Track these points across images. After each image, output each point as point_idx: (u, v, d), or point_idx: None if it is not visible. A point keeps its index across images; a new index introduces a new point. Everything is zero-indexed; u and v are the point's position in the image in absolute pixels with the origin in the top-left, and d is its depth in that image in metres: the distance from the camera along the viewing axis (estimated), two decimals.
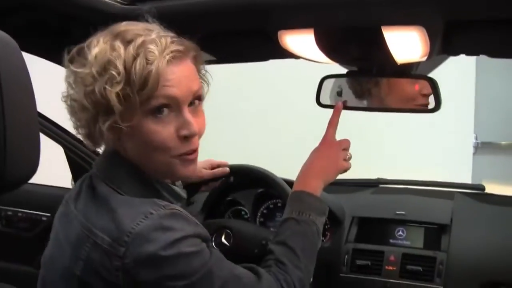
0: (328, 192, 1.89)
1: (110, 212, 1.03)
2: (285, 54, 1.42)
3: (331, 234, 1.90)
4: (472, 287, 1.67)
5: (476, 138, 4.38)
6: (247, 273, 1.14)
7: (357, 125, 2.90)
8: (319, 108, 1.58)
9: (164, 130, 1.05)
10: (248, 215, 2.01)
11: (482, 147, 4.36)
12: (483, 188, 2.17)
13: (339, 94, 1.61)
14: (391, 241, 1.84)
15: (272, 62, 1.61)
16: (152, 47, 1.01)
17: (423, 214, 1.88)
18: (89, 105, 1.02)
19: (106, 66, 1.00)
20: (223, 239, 1.66)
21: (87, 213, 1.06)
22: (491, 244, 1.76)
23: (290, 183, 1.71)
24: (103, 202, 1.05)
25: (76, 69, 1.04)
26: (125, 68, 0.99)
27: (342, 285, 1.75)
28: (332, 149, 1.38)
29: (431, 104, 1.47)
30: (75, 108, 1.06)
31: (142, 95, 1.01)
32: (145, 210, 1.02)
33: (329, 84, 1.60)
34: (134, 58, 1.00)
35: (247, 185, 1.96)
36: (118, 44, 1.01)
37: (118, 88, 0.99)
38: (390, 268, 1.73)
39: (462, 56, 1.43)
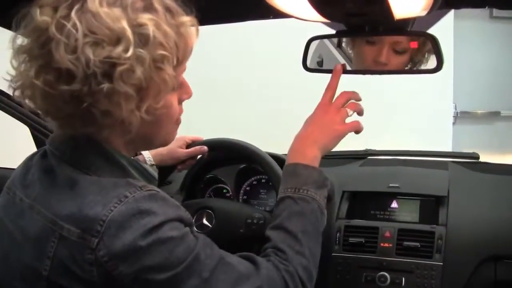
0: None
1: (76, 197, 0.91)
2: (272, 12, 1.28)
3: None
4: (473, 262, 1.58)
5: (455, 108, 4.34)
6: (242, 262, 1.02)
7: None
8: (309, 75, 1.44)
9: (175, 99, 1.02)
10: (230, 193, 1.92)
11: (461, 117, 4.35)
12: (477, 157, 2.08)
13: (320, 64, 1.48)
14: (385, 216, 1.74)
15: (256, 31, 1.48)
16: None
17: (418, 186, 1.79)
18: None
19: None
20: (204, 221, 1.58)
21: (47, 202, 0.94)
22: (491, 216, 1.67)
23: (275, 157, 1.60)
24: (67, 186, 0.93)
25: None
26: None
27: (335, 265, 1.64)
28: (329, 114, 1.22)
29: (432, 64, 1.33)
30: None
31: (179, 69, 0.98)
32: (119, 193, 0.90)
33: (316, 46, 1.47)
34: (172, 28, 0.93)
35: (227, 161, 1.86)
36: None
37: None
38: (386, 245, 1.63)
39: (439, 25, 1.31)
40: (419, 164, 2.02)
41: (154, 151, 1.61)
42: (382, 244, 1.64)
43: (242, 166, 1.88)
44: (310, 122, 1.23)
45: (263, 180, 1.90)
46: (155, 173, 1.10)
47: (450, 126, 4.27)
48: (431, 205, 1.72)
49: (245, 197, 1.92)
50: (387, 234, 1.65)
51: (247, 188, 1.92)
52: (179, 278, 0.91)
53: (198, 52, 1.04)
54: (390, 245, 1.63)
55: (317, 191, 1.17)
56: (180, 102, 1.04)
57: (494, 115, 4.36)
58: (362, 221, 1.72)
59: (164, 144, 1.10)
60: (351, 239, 1.66)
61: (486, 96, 4.35)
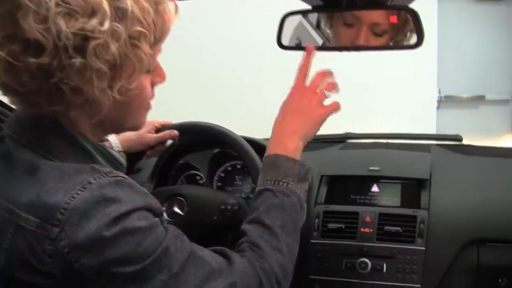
0: None
1: (35, 184, 0.87)
2: None
3: None
4: (456, 246, 1.58)
5: (440, 92, 4.35)
6: (215, 256, 0.99)
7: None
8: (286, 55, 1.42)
9: (148, 82, 1.00)
10: (204, 179, 1.89)
11: (445, 101, 4.36)
12: (460, 139, 2.07)
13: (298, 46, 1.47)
14: (366, 200, 1.73)
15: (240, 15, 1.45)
16: None
17: (399, 169, 1.77)
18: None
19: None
20: (175, 208, 1.55)
21: (3, 190, 0.90)
22: (474, 199, 1.67)
23: (251, 141, 1.58)
24: (25, 172, 0.89)
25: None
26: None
27: (314, 252, 1.62)
28: (305, 97, 1.19)
29: (413, 39, 1.31)
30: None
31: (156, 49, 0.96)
32: (83, 180, 0.86)
33: (293, 22, 1.45)
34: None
35: (200, 146, 1.83)
36: None
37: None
38: (366, 230, 1.62)
39: (423, 7, 1.30)
40: (401, 147, 2.01)
41: (121, 136, 1.56)
42: (362, 230, 1.62)
43: (216, 151, 1.85)
44: (288, 108, 1.20)
45: (238, 166, 1.87)
46: (122, 159, 1.07)
47: (434, 111, 4.27)
48: (413, 189, 1.72)
49: (219, 184, 1.89)
50: (368, 219, 1.63)
51: (222, 175, 1.89)
52: (147, 272, 0.88)
53: (178, 35, 1.02)
54: (371, 230, 1.62)
55: (298, 184, 1.15)
56: (153, 85, 1.02)
57: (479, 99, 4.37)
58: (341, 206, 1.71)
59: (134, 128, 1.08)
60: (330, 225, 1.64)
61: (471, 80, 4.36)
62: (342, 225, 1.64)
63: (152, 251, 0.88)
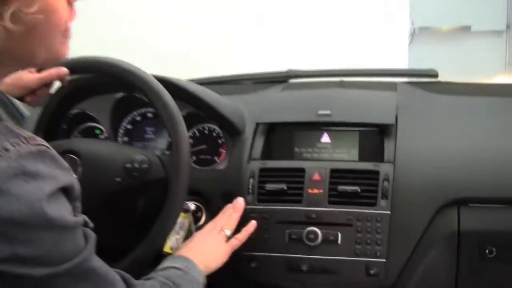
0: (222, 92, 1.81)
1: None
2: None
3: (226, 150, 1.80)
4: (430, 208, 1.61)
5: (412, 23, 4.38)
6: (119, 281, 1.06)
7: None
8: None
9: (62, 0, 0.99)
10: (106, 134, 1.86)
11: (420, 34, 4.40)
12: (435, 74, 2.08)
13: None
14: (314, 153, 1.75)
15: None
16: None
17: (357, 113, 1.78)
18: None
19: None
20: None
21: None
22: (453, 148, 1.69)
23: (165, 81, 1.55)
24: None
25: None
26: None
27: (248, 219, 1.62)
28: (211, 235, 1.52)
29: None
30: None
31: None
32: None
33: None
34: None
35: (99, 89, 1.79)
36: None
37: None
38: (315, 191, 1.62)
39: None
40: (359, 85, 2.01)
41: None
42: (310, 191, 1.63)
43: (119, 96, 1.82)
44: (197, 239, 1.53)
45: (149, 115, 1.86)
46: (25, 110, 1.05)
47: (406, 47, 4.30)
48: (374, 138, 1.73)
49: (125, 138, 1.87)
50: (317, 177, 1.64)
51: (128, 127, 1.87)
52: (53, 283, 0.90)
53: None
54: (321, 191, 1.62)
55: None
56: (71, 3, 1.01)
57: (463, 31, 4.43)
58: (282, 162, 1.71)
59: (50, 62, 1.07)
60: (269, 186, 1.64)
61: (452, 9, 4.40)
62: (284, 186, 1.64)
63: (69, 257, 0.92)
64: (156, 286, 1.20)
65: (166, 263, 1.35)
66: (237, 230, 1.56)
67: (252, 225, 1.59)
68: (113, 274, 1.03)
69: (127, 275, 1.10)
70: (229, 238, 1.53)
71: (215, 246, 1.50)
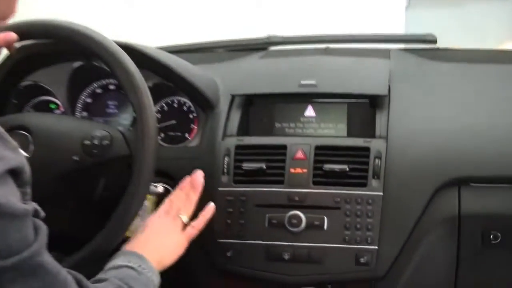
0: (193, 61, 1.80)
1: None
2: None
3: (198, 126, 1.80)
4: (428, 189, 1.61)
5: None
6: (71, 282, 1.05)
7: None
8: None
9: None
10: (62, 108, 1.85)
11: None
12: (433, 40, 2.08)
13: None
14: (297, 128, 1.76)
15: None
16: None
17: (344, 83, 1.78)
18: None
19: None
20: None
21: None
22: (453, 122, 1.69)
23: (128, 48, 1.54)
24: None
25: None
26: None
27: (223, 205, 1.63)
28: (166, 222, 1.50)
29: None
30: None
31: None
32: None
33: None
34: None
35: (54, 58, 1.77)
36: None
37: None
38: (298, 170, 1.62)
39: None
40: (347, 53, 2.01)
41: None
42: (292, 170, 1.63)
43: (77, 65, 1.80)
44: (150, 229, 1.49)
45: (111, 87, 1.85)
46: None
47: (402, 10, 4.32)
48: (364, 110, 1.74)
49: (84, 113, 1.86)
50: (300, 154, 1.64)
51: (88, 100, 1.86)
52: (1, 277, 0.90)
53: None
54: (304, 170, 1.62)
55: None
56: None
57: None
58: (261, 138, 1.71)
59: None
60: (246, 165, 1.64)
61: None
62: (263, 165, 1.64)
63: (15, 251, 0.91)
64: None
65: (118, 260, 1.35)
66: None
67: (210, 209, 1.55)
68: (64, 273, 1.03)
69: (80, 276, 1.10)
70: (185, 225, 1.51)
71: (170, 238, 1.49)
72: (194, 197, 1.54)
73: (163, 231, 1.48)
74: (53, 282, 0.98)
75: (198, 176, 1.57)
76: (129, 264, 1.31)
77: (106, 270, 1.29)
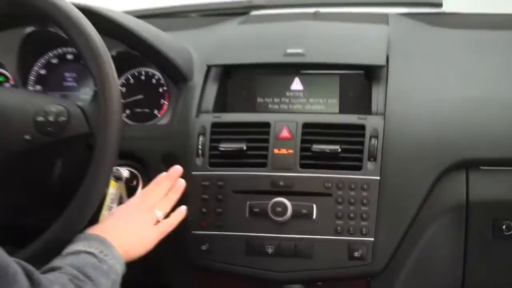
0: (164, 28, 1.80)
1: None
2: None
3: (169, 102, 1.79)
4: (432, 173, 1.59)
5: None
6: (20, 275, 1.06)
7: None
8: None
9: None
10: (12, 80, 1.83)
11: None
12: (439, 3, 2.07)
13: None
14: (282, 104, 1.74)
15: None
16: None
17: (336, 51, 1.76)
18: None
19: None
20: None
21: None
22: (459, 96, 1.67)
23: (90, 12, 1.53)
24: None
25: None
26: None
27: (197, 192, 1.62)
28: (138, 212, 1.51)
29: None
30: None
31: None
32: None
33: None
34: None
35: (1, 22, 1.74)
36: None
37: None
38: (283, 151, 1.61)
39: None
40: (339, 17, 1.99)
41: None
42: (276, 151, 1.61)
43: (29, 31, 1.78)
44: (120, 215, 1.51)
45: (69, 56, 1.83)
46: None
47: None
48: (359, 83, 1.72)
49: (38, 87, 1.84)
50: (285, 133, 1.62)
51: (42, 72, 1.84)
52: None
53: None
54: (291, 151, 1.61)
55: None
56: None
57: None
58: (241, 115, 1.70)
59: None
60: (224, 146, 1.63)
61: None
62: (243, 145, 1.62)
63: None
64: (64, 281, 1.19)
65: (78, 245, 1.34)
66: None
67: (182, 212, 1.56)
68: (14, 267, 1.03)
69: (31, 268, 1.10)
70: (158, 222, 1.52)
71: (141, 228, 1.49)
72: (174, 197, 1.56)
73: (133, 220, 1.48)
74: (1, 276, 0.99)
75: (178, 170, 1.59)
76: (90, 250, 1.31)
77: (63, 256, 1.29)
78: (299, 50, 1.75)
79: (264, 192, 1.60)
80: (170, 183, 1.57)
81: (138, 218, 1.49)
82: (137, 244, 1.45)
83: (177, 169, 1.59)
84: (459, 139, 1.61)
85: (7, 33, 1.77)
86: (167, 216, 1.52)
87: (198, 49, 1.82)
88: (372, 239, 1.56)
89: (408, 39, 1.86)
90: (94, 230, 1.40)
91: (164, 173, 1.58)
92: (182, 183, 1.57)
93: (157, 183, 1.57)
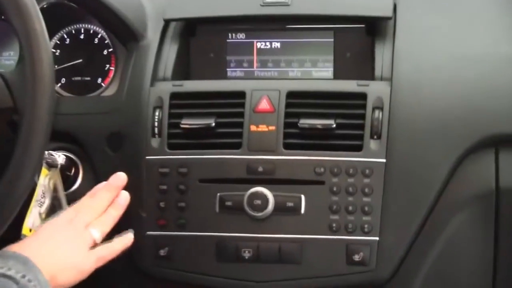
0: None
1: None
2: None
3: (116, 67, 1.81)
4: (452, 153, 1.60)
5: None
6: None
7: None
8: None
9: None
10: None
11: None
12: None
13: None
14: (259, 68, 1.76)
15: None
16: None
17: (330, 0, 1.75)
18: None
19: None
20: None
21: None
22: (484, 54, 1.67)
23: None
24: None
25: None
26: None
27: (152, 182, 1.64)
28: (68, 230, 1.49)
29: None
30: None
31: None
32: None
33: None
34: None
35: None
36: None
37: None
38: (263, 128, 1.61)
39: None
40: None
41: None
42: (253, 128, 1.62)
43: None
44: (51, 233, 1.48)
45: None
46: None
47: None
48: (359, 41, 1.73)
49: None
50: (264, 104, 1.62)
51: None
52: None
53: None
54: (272, 128, 1.61)
55: None
56: None
57: None
58: (208, 82, 1.70)
59: None
60: (186, 122, 1.63)
61: None
62: (212, 121, 1.62)
63: None
64: None
65: None
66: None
67: (128, 239, 1.56)
68: None
69: None
70: (96, 244, 1.50)
71: (73, 251, 1.48)
72: (115, 213, 1.54)
73: (63, 240, 1.47)
74: None
75: (123, 191, 1.57)
76: (8, 273, 1.29)
77: None
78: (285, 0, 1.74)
79: (239, 180, 1.60)
80: (110, 194, 1.55)
81: (69, 238, 1.48)
82: (68, 270, 1.44)
83: (120, 177, 1.56)
84: (488, 109, 1.61)
85: None
86: (107, 237, 1.51)
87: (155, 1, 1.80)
88: (377, 238, 1.57)
89: None
90: (13, 247, 1.38)
91: (102, 183, 1.57)
92: (125, 196, 1.55)
93: (94, 195, 1.55)
